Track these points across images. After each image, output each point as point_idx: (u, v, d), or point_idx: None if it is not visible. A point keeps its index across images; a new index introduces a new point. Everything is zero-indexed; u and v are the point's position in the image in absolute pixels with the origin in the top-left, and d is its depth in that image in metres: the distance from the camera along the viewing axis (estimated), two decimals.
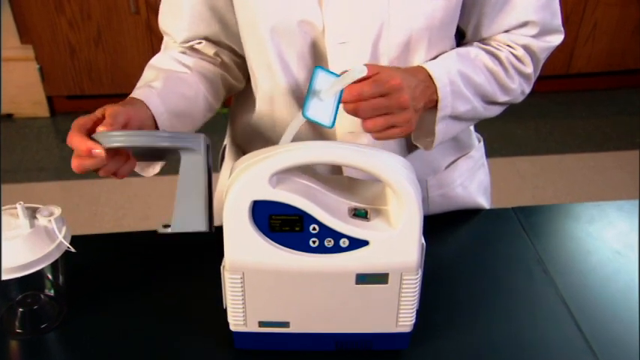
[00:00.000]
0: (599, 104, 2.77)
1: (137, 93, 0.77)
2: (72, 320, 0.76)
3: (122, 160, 0.69)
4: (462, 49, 0.80)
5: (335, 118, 0.64)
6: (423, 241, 0.64)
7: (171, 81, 0.81)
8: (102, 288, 0.81)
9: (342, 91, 0.64)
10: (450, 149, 0.92)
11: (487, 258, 0.87)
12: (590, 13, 2.58)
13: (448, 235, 0.92)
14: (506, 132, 2.57)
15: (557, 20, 0.82)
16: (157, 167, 0.81)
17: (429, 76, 0.74)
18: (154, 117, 0.75)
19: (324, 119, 0.64)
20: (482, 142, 0.99)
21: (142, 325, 0.76)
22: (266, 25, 0.76)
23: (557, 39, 0.83)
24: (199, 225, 0.66)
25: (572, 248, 0.89)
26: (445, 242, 0.90)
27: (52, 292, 0.76)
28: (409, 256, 0.64)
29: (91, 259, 0.84)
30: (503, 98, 0.82)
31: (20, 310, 0.75)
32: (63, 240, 0.70)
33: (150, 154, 0.75)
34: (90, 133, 0.66)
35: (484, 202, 0.99)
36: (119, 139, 0.65)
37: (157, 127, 0.76)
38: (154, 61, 0.87)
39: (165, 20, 0.89)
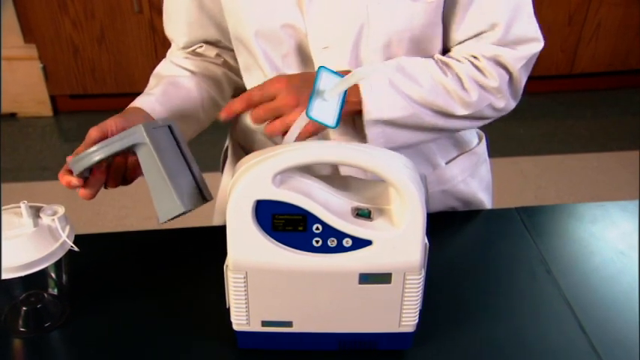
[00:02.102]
0: (602, 104, 2.76)
1: (136, 101, 0.80)
2: (75, 319, 0.76)
3: (121, 169, 0.73)
4: (407, 58, 0.78)
5: (339, 119, 0.64)
6: (427, 240, 0.64)
7: (171, 85, 0.83)
8: (105, 287, 0.81)
9: (345, 92, 0.65)
10: (448, 146, 0.92)
11: (490, 258, 0.87)
12: (593, 13, 2.58)
13: (451, 235, 0.91)
14: (509, 132, 2.57)
15: (532, 27, 0.79)
16: None
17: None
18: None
19: (328, 119, 0.64)
20: (484, 139, 0.99)
21: (144, 324, 0.76)
22: (250, 29, 0.78)
23: (533, 47, 0.79)
24: (176, 209, 0.67)
25: (576, 248, 0.89)
26: (448, 242, 0.90)
27: (55, 291, 0.76)
28: (412, 255, 0.64)
29: (94, 258, 0.84)
30: (462, 111, 0.78)
31: (24, 308, 0.75)
32: (66, 239, 0.70)
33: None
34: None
35: (485, 198, 0.99)
36: (80, 163, 0.69)
37: None
38: (158, 69, 0.90)
39: (167, 27, 0.92)
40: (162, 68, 0.90)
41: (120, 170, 0.73)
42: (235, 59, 0.90)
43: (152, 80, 0.87)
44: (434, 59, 0.79)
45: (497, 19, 0.76)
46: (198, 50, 0.91)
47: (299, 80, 0.71)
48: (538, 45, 0.80)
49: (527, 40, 0.79)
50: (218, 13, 0.85)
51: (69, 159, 0.70)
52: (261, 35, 0.78)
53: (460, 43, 0.80)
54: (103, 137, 0.72)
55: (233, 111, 0.71)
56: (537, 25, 0.80)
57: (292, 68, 0.80)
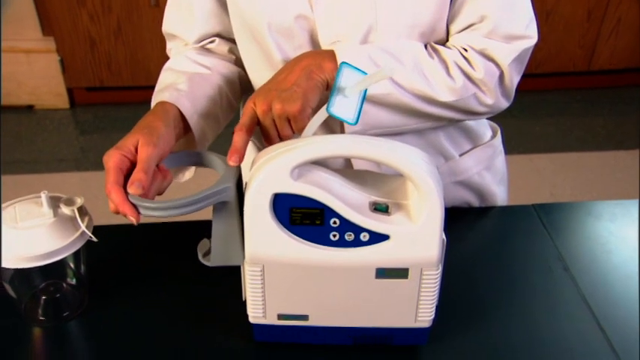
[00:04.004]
0: (620, 101, 2.73)
1: (165, 96, 0.76)
2: (93, 309, 0.77)
3: (159, 181, 0.68)
4: (393, 41, 0.77)
5: (359, 116, 0.64)
6: (444, 236, 0.64)
7: (195, 82, 0.80)
8: (122, 278, 0.82)
9: (366, 89, 0.64)
10: (460, 138, 0.91)
11: (507, 255, 0.86)
12: (613, 9, 2.54)
13: (468, 231, 0.91)
14: (524, 128, 2.54)
15: (523, 23, 0.77)
16: (192, 171, 0.82)
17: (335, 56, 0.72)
18: (183, 120, 0.75)
19: (348, 116, 0.64)
20: (499, 132, 0.98)
21: (161, 315, 0.76)
22: (263, 20, 0.76)
23: (524, 43, 0.78)
24: (237, 260, 0.68)
25: (594, 246, 0.88)
26: (465, 238, 0.89)
27: (73, 281, 0.77)
28: (430, 251, 0.63)
29: (112, 249, 0.85)
30: (445, 97, 0.76)
31: (43, 298, 0.76)
32: (85, 229, 0.71)
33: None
34: (126, 171, 0.65)
35: (500, 191, 0.98)
36: (156, 213, 0.63)
37: (186, 130, 0.76)
38: (171, 64, 0.85)
39: (174, 23, 0.88)
40: (177, 64, 0.84)
41: (157, 183, 0.68)
42: None
43: (168, 74, 0.83)
44: (425, 45, 0.78)
45: (488, 12, 0.76)
46: (210, 46, 0.87)
47: (269, 83, 0.71)
48: (530, 41, 0.78)
49: (519, 37, 0.78)
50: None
51: (132, 190, 0.63)
52: (275, 27, 0.77)
53: (454, 35, 0.80)
54: (160, 156, 0.68)
55: (241, 153, 0.67)
56: (533, 22, 0.79)
57: None
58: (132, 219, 0.63)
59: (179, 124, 0.75)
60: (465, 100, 0.78)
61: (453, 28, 0.79)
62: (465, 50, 0.78)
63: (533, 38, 0.79)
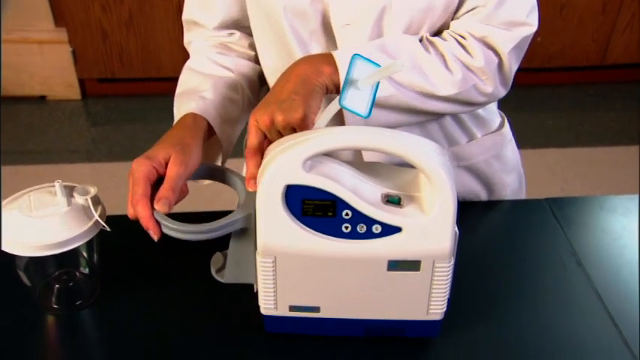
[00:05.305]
0: (633, 96, 2.70)
1: (192, 106, 0.77)
2: (105, 298, 0.77)
3: (176, 194, 0.68)
4: (391, 37, 0.76)
5: (372, 108, 0.64)
6: (456, 228, 0.64)
7: (219, 88, 0.81)
8: (135, 267, 0.82)
9: (379, 82, 0.64)
10: (469, 123, 0.90)
11: (519, 248, 0.86)
12: (629, 1, 2.51)
13: (480, 224, 0.91)
14: (536, 123, 2.53)
15: (524, 10, 0.77)
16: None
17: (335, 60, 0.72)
18: (209, 129, 0.76)
19: (361, 109, 0.64)
20: (506, 120, 0.97)
21: (173, 305, 0.77)
22: (279, 4, 0.77)
23: (524, 30, 0.77)
24: (251, 279, 0.69)
25: (607, 241, 0.87)
26: (477, 231, 0.89)
27: (86, 270, 0.78)
28: (442, 243, 0.63)
29: (125, 238, 0.85)
30: (445, 91, 0.76)
31: (56, 286, 0.77)
32: (99, 219, 0.71)
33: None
34: (153, 182, 0.67)
35: (511, 180, 0.97)
36: (178, 234, 0.64)
37: (209, 136, 0.77)
38: (194, 65, 0.86)
39: (195, 9, 0.88)
40: (200, 65, 0.85)
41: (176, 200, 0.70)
42: None
43: (191, 76, 0.84)
44: (420, 38, 0.78)
45: None
46: (230, 40, 0.88)
47: (268, 96, 0.71)
48: (530, 29, 0.78)
49: (520, 24, 0.77)
50: None
51: (158, 207, 0.64)
52: (290, 10, 0.77)
53: (455, 19, 0.79)
54: (188, 176, 0.68)
55: (256, 177, 0.65)
56: (535, 10, 0.79)
57: (319, 44, 0.80)
58: (154, 236, 0.65)
59: (206, 135, 0.76)
60: (466, 92, 0.78)
61: (458, 12, 0.78)
62: (463, 38, 0.77)
63: (533, 26, 0.78)
